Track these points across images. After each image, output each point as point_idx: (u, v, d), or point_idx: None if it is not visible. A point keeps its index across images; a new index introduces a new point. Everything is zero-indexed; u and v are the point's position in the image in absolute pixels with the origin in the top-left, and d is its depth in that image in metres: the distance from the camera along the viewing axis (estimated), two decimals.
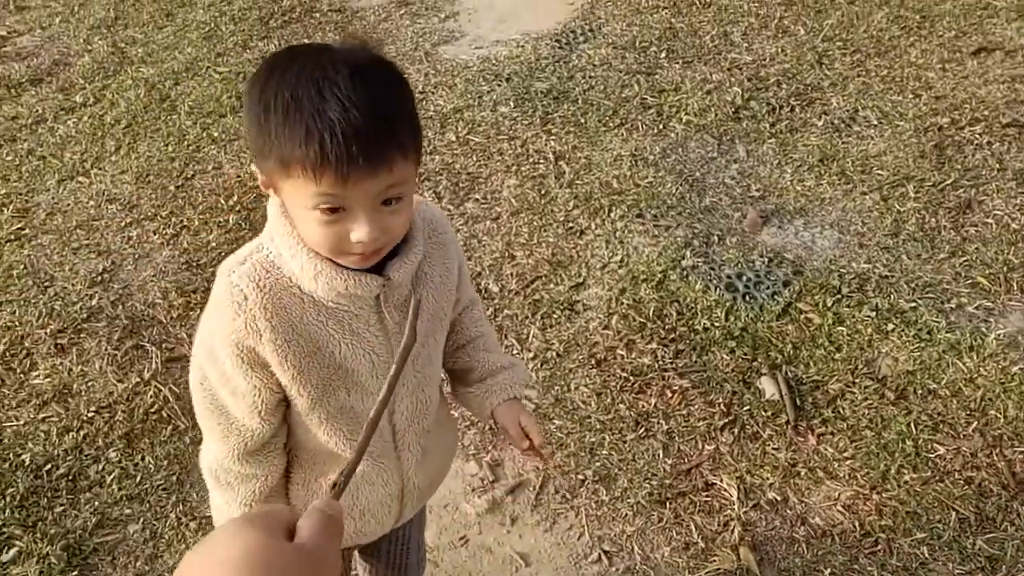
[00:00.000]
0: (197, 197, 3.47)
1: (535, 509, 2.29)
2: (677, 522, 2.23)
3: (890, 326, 2.69)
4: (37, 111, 4.15)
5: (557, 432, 2.46)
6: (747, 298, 2.83)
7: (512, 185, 3.43)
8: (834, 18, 4.46)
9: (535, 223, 3.22)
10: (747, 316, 2.75)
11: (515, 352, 2.71)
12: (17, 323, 2.90)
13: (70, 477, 2.41)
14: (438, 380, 1.33)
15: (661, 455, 2.39)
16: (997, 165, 3.39)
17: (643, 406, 2.52)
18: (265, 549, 0.61)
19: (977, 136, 3.54)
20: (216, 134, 3.86)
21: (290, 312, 1.09)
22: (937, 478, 2.29)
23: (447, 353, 1.38)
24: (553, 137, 3.69)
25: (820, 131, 3.65)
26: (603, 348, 2.70)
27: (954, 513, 2.21)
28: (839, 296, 2.81)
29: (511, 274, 3.00)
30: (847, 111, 3.76)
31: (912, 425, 2.41)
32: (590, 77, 4.10)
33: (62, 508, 2.33)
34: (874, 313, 2.74)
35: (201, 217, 3.35)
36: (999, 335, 2.65)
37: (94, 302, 2.98)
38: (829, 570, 2.11)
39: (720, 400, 2.51)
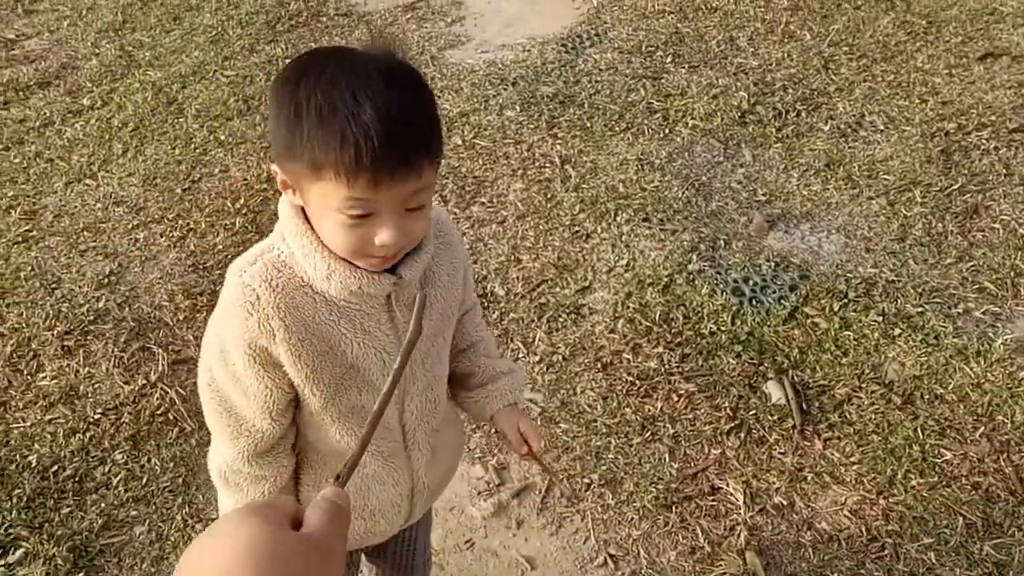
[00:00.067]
0: (204, 200, 3.48)
1: (541, 512, 2.29)
2: (683, 526, 2.23)
3: (897, 331, 2.69)
4: (45, 114, 4.16)
5: (563, 436, 2.45)
6: (753, 302, 2.83)
7: (518, 189, 3.43)
8: (840, 23, 4.46)
9: (541, 227, 3.22)
10: (753, 320, 2.75)
11: (521, 356, 2.71)
12: (24, 325, 2.91)
13: (76, 479, 2.41)
14: (446, 379, 1.34)
15: (667, 459, 2.38)
16: (1004, 170, 3.38)
17: (649, 410, 2.52)
18: (270, 538, 0.59)
19: (984, 141, 3.53)
20: (223, 137, 3.87)
21: (303, 311, 1.09)
22: (944, 483, 2.28)
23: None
24: (559, 141, 3.69)
25: (826, 136, 3.65)
26: (609, 352, 2.69)
27: (961, 518, 2.20)
28: (846, 301, 2.81)
29: (517, 278, 3.00)
30: (853, 116, 3.75)
31: (919, 430, 2.40)
32: (596, 81, 4.10)
33: (68, 509, 2.33)
34: (881, 318, 2.73)
35: (208, 220, 3.35)
36: (1006, 340, 2.65)
37: (101, 304, 2.98)
38: (836, 575, 2.10)
39: (726, 404, 2.51)
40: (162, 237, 3.29)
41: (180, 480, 2.39)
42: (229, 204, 3.43)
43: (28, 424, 2.57)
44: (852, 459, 2.35)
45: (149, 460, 2.44)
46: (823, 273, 2.94)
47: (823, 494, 2.28)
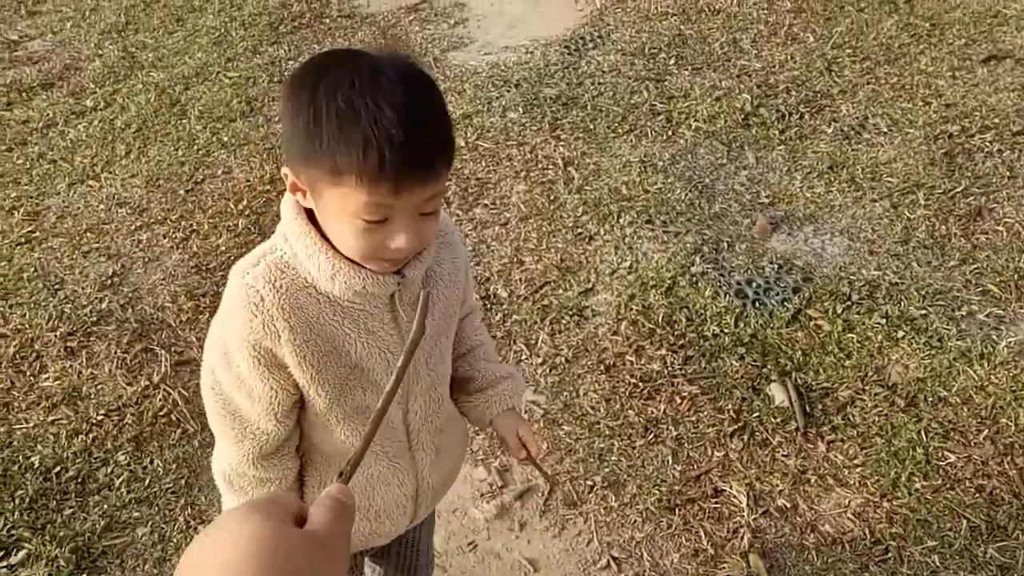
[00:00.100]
0: (207, 201, 3.48)
1: (544, 515, 2.28)
2: (686, 529, 2.22)
3: (900, 333, 2.68)
4: (48, 115, 4.17)
5: (566, 438, 2.45)
6: (757, 304, 2.82)
7: (521, 191, 3.43)
8: (843, 25, 4.46)
9: (544, 229, 3.22)
10: (757, 323, 2.75)
11: (524, 358, 2.71)
12: (27, 326, 2.91)
13: (79, 480, 2.41)
14: (449, 379, 1.34)
15: (670, 461, 2.38)
16: (1007, 173, 3.38)
17: (652, 412, 2.51)
18: (273, 534, 0.58)
19: (987, 144, 3.53)
20: (226, 139, 3.87)
21: (307, 312, 1.09)
22: (948, 486, 2.28)
23: None
24: (562, 143, 3.69)
25: (830, 138, 3.65)
26: (612, 354, 2.69)
27: (965, 521, 2.19)
28: (849, 303, 2.80)
29: (520, 280, 3.00)
30: (857, 118, 3.75)
31: (922, 433, 2.40)
32: (599, 83, 4.10)
33: (71, 511, 2.33)
34: (884, 320, 2.73)
35: (211, 221, 3.35)
36: (1010, 343, 2.64)
37: (104, 305, 2.98)
38: None
39: (729, 406, 2.50)
40: (165, 238, 3.29)
41: (183, 481, 2.39)
42: (232, 205, 3.43)
43: (31, 425, 2.57)
44: (855, 462, 2.35)
45: (152, 461, 2.44)
46: (826, 275, 2.93)
47: (826, 497, 2.28)
